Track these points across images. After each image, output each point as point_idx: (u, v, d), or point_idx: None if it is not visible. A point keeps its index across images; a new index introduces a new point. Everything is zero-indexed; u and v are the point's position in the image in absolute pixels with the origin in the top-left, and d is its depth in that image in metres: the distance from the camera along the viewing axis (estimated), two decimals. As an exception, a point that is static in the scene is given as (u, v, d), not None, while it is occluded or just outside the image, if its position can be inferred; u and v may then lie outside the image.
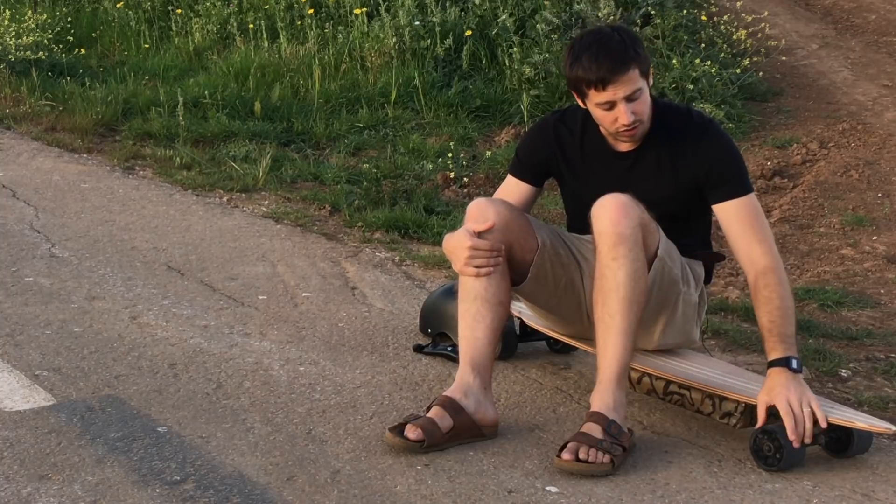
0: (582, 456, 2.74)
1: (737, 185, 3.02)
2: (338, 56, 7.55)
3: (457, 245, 2.96)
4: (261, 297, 4.04)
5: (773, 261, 2.95)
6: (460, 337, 3.00)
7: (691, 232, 3.13)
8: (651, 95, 3.05)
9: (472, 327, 2.97)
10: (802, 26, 9.13)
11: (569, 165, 3.14)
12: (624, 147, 3.07)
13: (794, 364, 2.82)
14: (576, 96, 3.05)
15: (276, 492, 2.62)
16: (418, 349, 3.58)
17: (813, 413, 2.76)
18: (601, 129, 3.08)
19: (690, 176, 3.03)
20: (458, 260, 2.96)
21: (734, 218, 2.99)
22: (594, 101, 2.97)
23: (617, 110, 2.95)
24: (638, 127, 2.98)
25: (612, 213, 2.84)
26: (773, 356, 2.85)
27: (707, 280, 3.22)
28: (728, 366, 3.27)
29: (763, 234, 2.98)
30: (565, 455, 2.75)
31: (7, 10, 8.89)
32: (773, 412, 2.89)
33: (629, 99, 2.93)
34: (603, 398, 2.85)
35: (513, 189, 3.21)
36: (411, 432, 2.83)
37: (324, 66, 7.43)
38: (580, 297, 3.14)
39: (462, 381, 2.94)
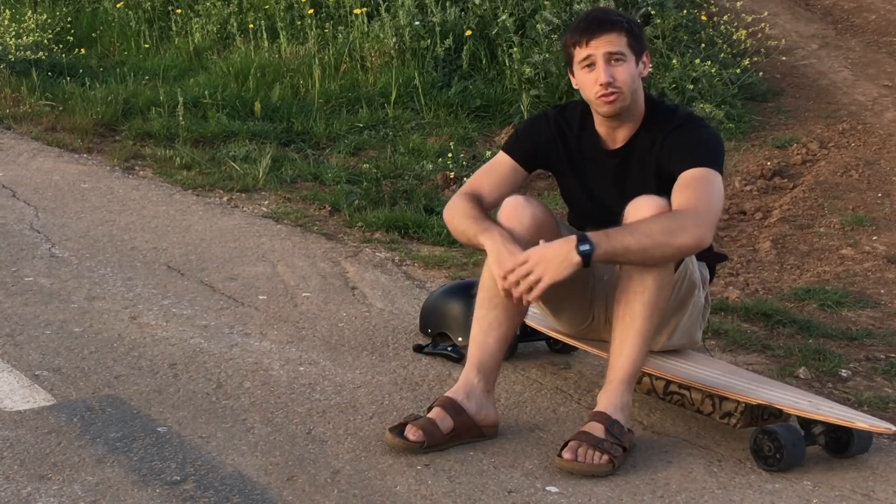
0: (582, 456, 2.74)
1: (696, 159, 2.89)
2: (338, 56, 7.55)
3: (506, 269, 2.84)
4: (261, 297, 4.04)
5: (694, 207, 2.79)
6: (471, 339, 2.98)
7: None
8: (646, 93, 3.06)
9: (486, 332, 2.95)
10: (802, 26, 9.13)
11: (570, 160, 3.12)
12: (614, 144, 3.06)
13: (584, 247, 2.72)
14: (569, 74, 3.07)
15: (276, 492, 2.62)
16: (418, 349, 3.58)
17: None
18: (593, 114, 3.06)
19: (664, 166, 2.97)
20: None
21: (681, 181, 2.87)
22: (578, 60, 2.98)
23: (596, 70, 2.95)
24: (616, 95, 2.94)
25: (647, 214, 2.82)
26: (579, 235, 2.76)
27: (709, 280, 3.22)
28: (728, 366, 3.27)
29: (703, 198, 2.82)
30: (566, 455, 2.75)
31: (7, 10, 8.90)
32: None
33: (609, 60, 2.93)
34: (610, 398, 2.84)
35: (503, 168, 3.11)
36: (411, 433, 2.82)
37: (324, 66, 7.44)
38: (589, 298, 3.14)
39: (466, 383, 2.93)
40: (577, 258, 2.72)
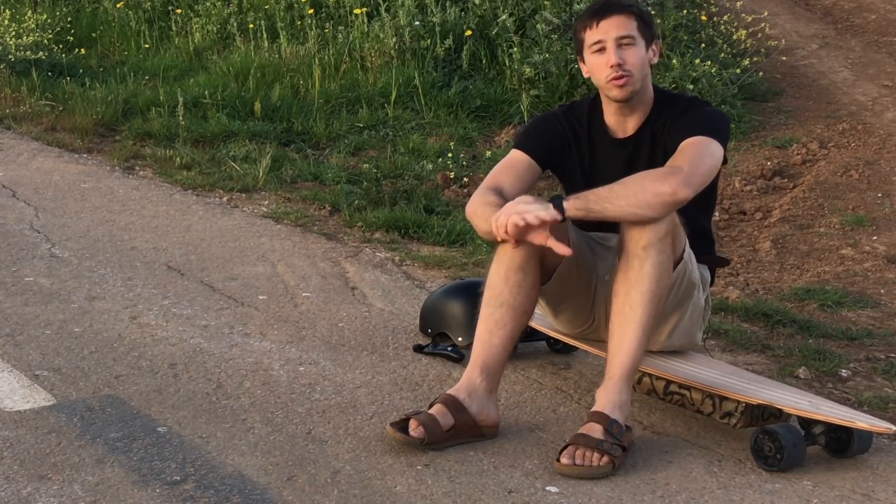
0: (580, 459, 2.73)
1: (695, 131, 2.92)
2: (338, 56, 7.56)
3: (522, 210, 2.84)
4: (261, 297, 4.04)
5: (675, 161, 2.84)
6: (476, 339, 2.97)
7: (691, 222, 3.08)
8: (654, 84, 3.07)
9: (491, 332, 2.94)
10: (802, 26, 9.13)
11: (580, 157, 3.11)
12: (624, 133, 3.06)
13: (557, 201, 2.80)
14: (580, 63, 3.08)
15: (276, 492, 2.62)
16: (418, 349, 3.58)
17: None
18: (602, 105, 3.07)
19: (669, 150, 2.96)
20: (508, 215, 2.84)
21: (677, 150, 2.90)
22: (588, 44, 3.00)
23: (607, 53, 2.96)
24: (627, 77, 2.95)
25: None
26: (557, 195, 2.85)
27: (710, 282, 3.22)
28: (728, 366, 3.27)
29: (690, 157, 2.84)
30: (564, 459, 2.74)
31: (7, 10, 8.90)
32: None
33: (619, 43, 2.95)
34: (609, 396, 2.83)
35: (520, 164, 3.09)
36: (413, 428, 2.82)
37: (324, 66, 7.44)
38: (591, 299, 3.13)
39: (468, 382, 2.93)
40: (549, 204, 2.78)
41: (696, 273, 3.04)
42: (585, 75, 3.09)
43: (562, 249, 2.80)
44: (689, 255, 2.98)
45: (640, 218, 2.79)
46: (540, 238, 2.80)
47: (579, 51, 3.08)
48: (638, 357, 2.86)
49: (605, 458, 2.74)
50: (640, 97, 3.02)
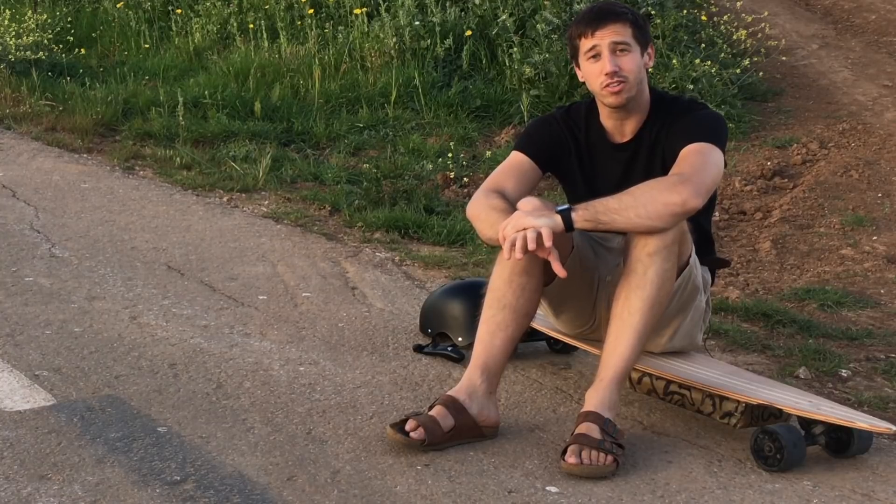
0: (587, 458, 2.73)
1: (694, 136, 2.91)
2: (338, 56, 7.56)
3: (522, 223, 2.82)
4: (261, 297, 4.04)
5: (682, 172, 2.82)
6: (477, 339, 2.97)
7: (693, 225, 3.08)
8: (650, 86, 3.06)
9: (493, 333, 2.94)
10: (802, 26, 9.13)
11: (579, 159, 3.11)
12: (622, 138, 3.05)
13: (565, 212, 2.78)
14: (575, 67, 3.08)
15: (276, 492, 2.62)
16: (418, 349, 3.58)
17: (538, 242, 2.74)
18: (598, 109, 3.06)
19: (668, 152, 2.97)
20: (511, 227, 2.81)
21: (678, 157, 2.89)
22: (583, 51, 2.99)
23: (602, 61, 2.95)
24: (623, 84, 2.95)
25: None
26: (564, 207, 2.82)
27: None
28: (728, 366, 3.27)
29: (694, 166, 2.84)
30: (570, 459, 2.74)
31: (7, 10, 8.90)
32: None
33: (614, 50, 2.95)
34: (600, 396, 2.84)
35: (521, 166, 3.08)
36: (413, 430, 2.82)
37: (324, 66, 7.44)
38: (593, 300, 3.13)
39: (468, 383, 2.93)
40: (556, 216, 2.77)
41: (700, 277, 3.04)
42: (581, 80, 3.09)
43: (558, 270, 2.80)
44: (695, 260, 2.98)
45: (649, 229, 2.79)
46: (543, 252, 2.80)
47: (574, 56, 3.07)
48: (631, 362, 2.87)
49: (610, 458, 2.74)
50: (637, 102, 3.01)
